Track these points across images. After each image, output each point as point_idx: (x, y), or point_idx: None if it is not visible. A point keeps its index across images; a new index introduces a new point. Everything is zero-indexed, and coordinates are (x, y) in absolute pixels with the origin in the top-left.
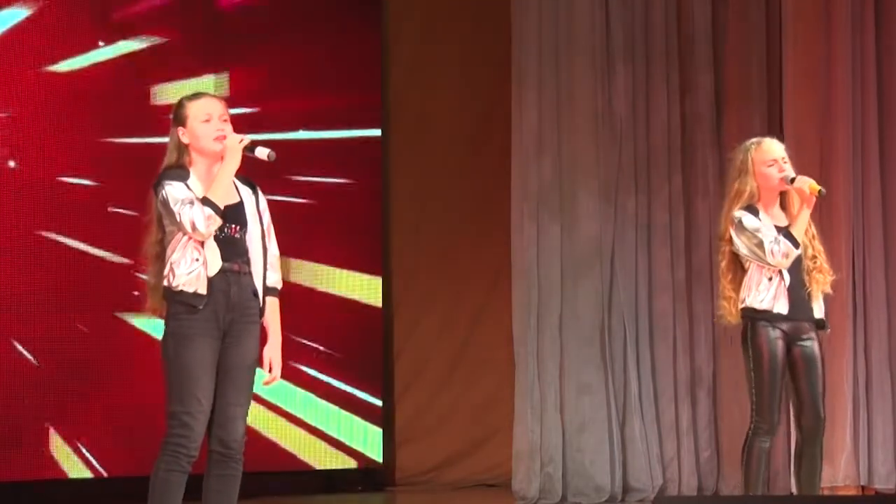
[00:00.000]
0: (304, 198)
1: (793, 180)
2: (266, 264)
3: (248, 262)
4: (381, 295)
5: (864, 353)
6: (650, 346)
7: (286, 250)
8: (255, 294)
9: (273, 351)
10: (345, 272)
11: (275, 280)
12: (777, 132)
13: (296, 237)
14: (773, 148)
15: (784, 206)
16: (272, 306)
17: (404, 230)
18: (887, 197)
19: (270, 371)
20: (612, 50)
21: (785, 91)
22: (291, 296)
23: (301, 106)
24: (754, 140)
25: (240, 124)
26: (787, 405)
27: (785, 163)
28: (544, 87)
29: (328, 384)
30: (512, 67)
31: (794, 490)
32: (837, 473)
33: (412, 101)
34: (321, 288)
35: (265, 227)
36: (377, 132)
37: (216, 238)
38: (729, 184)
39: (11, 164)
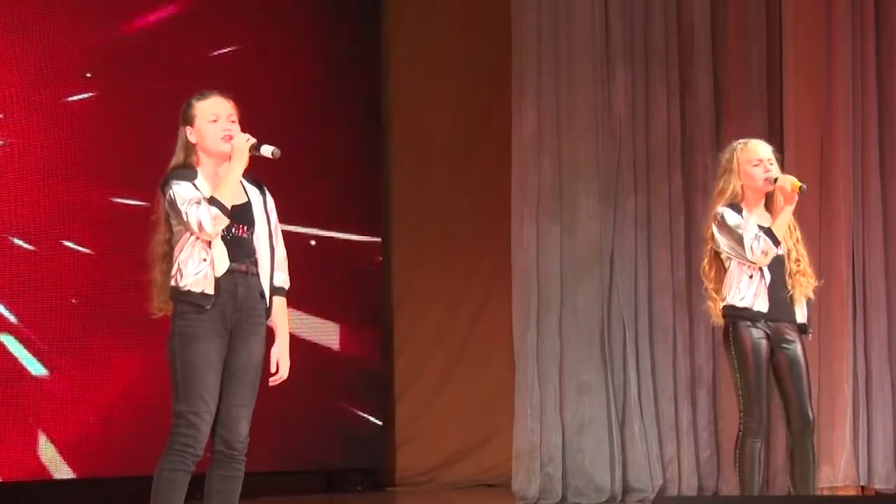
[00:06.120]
0: (304, 199)
1: (776, 180)
2: (273, 265)
3: (255, 263)
4: (381, 295)
5: (863, 353)
6: (650, 346)
7: (287, 250)
8: (262, 295)
9: (281, 350)
10: (345, 272)
11: (282, 280)
12: (777, 132)
13: (297, 238)
14: (760, 148)
15: (769, 207)
16: (280, 306)
17: (404, 230)
18: (887, 197)
19: (277, 371)
20: (612, 51)
21: (785, 91)
22: (292, 295)
23: (301, 106)
24: (742, 140)
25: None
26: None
27: (771, 164)
28: (544, 88)
29: (329, 384)
30: (512, 68)
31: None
32: (837, 474)
33: (412, 101)
34: (321, 288)
35: (272, 228)
36: (377, 132)
37: (224, 238)
38: (714, 183)
39: None
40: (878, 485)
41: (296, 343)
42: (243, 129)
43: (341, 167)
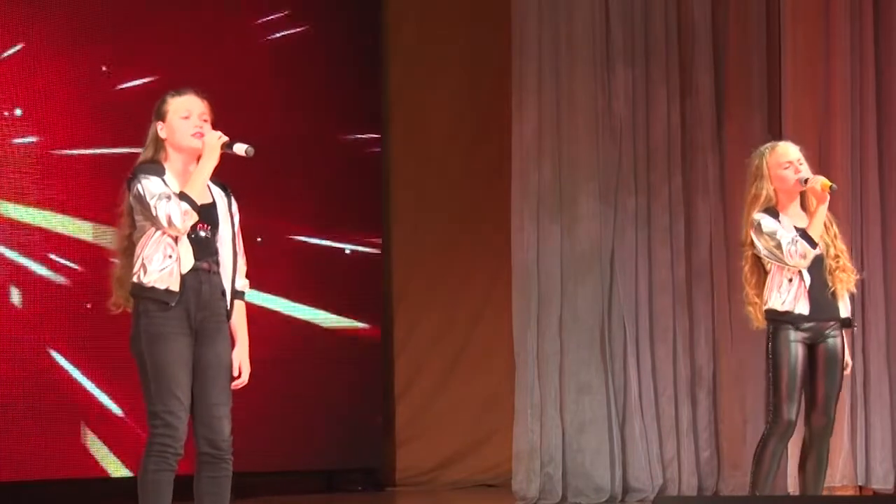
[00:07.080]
0: (303, 200)
1: (806, 181)
2: (235, 267)
3: (217, 263)
4: (381, 294)
5: (861, 353)
6: (650, 346)
7: (288, 250)
8: (224, 294)
9: (242, 354)
10: (345, 272)
11: (242, 284)
12: (776, 132)
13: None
14: (788, 150)
15: (805, 206)
16: (239, 310)
17: (404, 230)
18: (885, 197)
19: (239, 375)
20: (612, 51)
21: (785, 91)
22: (294, 295)
23: (299, 107)
24: (769, 144)
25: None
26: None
27: (801, 164)
28: (544, 88)
29: (328, 383)
30: (512, 68)
31: (791, 490)
32: (835, 474)
33: (412, 102)
34: (322, 288)
35: (235, 231)
36: (377, 132)
37: (188, 237)
38: (746, 189)
39: None
40: (876, 485)
41: (296, 343)
42: (245, 129)
43: (341, 167)
